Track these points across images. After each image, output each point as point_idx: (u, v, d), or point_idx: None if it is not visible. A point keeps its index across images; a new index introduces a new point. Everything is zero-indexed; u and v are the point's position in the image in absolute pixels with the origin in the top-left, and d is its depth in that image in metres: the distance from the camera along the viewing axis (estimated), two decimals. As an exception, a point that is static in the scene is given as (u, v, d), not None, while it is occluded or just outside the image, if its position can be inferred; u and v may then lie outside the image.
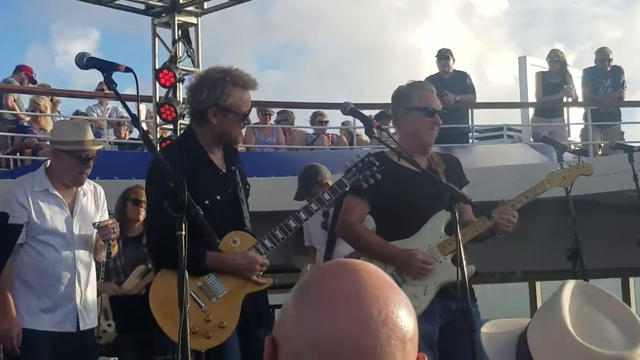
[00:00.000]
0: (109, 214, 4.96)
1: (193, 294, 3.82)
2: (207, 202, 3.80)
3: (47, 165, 4.71)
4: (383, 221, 4.25)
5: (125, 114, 3.35)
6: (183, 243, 2.89)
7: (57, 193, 4.61)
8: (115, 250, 4.83)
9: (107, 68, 3.13)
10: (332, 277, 1.21)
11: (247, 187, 4.14)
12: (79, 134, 4.64)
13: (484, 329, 1.87)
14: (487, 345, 1.83)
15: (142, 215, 5.99)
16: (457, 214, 3.46)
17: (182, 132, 4.25)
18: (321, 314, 1.17)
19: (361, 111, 4.19)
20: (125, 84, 3.17)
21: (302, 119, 12.14)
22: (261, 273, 3.96)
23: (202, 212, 2.99)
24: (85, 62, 3.21)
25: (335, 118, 11.95)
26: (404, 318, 1.19)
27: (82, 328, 4.55)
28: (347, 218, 4.22)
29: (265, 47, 42.88)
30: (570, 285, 1.76)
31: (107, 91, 9.53)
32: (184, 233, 2.89)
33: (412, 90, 4.29)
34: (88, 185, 4.77)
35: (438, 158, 4.37)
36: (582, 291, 1.76)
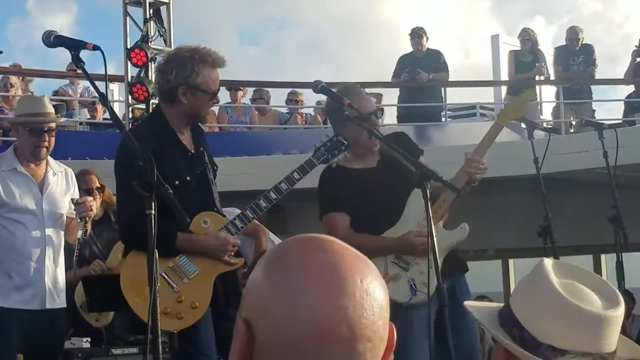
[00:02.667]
0: None
1: (164, 275, 3.82)
2: (177, 182, 3.79)
3: (16, 145, 4.70)
4: (362, 225, 4.21)
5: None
6: (153, 222, 2.88)
7: (25, 171, 4.59)
8: (89, 227, 4.80)
9: (74, 46, 3.10)
10: (307, 249, 1.20)
11: (215, 168, 4.15)
12: (35, 106, 4.62)
13: (468, 303, 1.97)
14: (473, 310, 1.92)
15: (99, 200, 5.90)
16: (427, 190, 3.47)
17: (151, 112, 4.23)
18: (305, 286, 1.15)
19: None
20: (100, 64, 3.13)
21: (278, 98, 12.08)
22: (232, 253, 3.96)
23: (171, 191, 2.98)
24: (52, 40, 3.17)
25: (313, 97, 11.90)
26: (381, 287, 1.20)
27: (49, 306, 4.53)
28: (334, 234, 4.17)
29: (248, 20, 42.64)
30: (548, 260, 1.86)
31: (79, 71, 9.44)
32: (153, 212, 2.88)
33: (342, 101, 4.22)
34: (58, 167, 4.75)
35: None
36: (559, 265, 1.86)
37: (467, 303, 1.96)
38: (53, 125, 4.66)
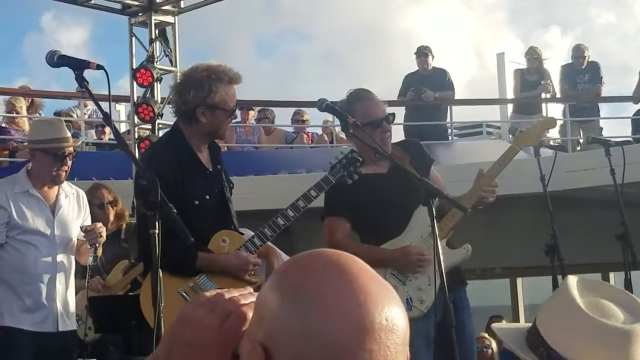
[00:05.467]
0: None
1: (185, 294, 3.82)
2: (196, 202, 3.83)
3: (29, 167, 4.71)
4: (368, 230, 4.22)
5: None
6: (156, 241, 2.87)
7: (37, 194, 4.61)
8: (99, 253, 4.80)
9: (78, 66, 3.10)
10: (328, 275, 1.17)
11: (231, 185, 4.16)
12: (54, 132, 4.64)
13: (495, 325, 2.05)
14: (500, 333, 1.99)
15: (112, 214, 5.92)
16: (433, 209, 3.45)
17: (169, 130, 4.23)
18: (328, 319, 1.13)
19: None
20: (113, 83, 3.12)
21: (286, 117, 12.07)
22: (253, 272, 3.95)
23: (175, 210, 2.96)
24: (56, 60, 3.16)
25: (319, 116, 11.89)
26: (402, 318, 1.19)
27: (61, 329, 4.54)
28: (332, 238, 4.19)
29: (266, 32, 42.78)
30: (573, 278, 1.91)
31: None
32: (157, 231, 2.87)
33: (354, 105, 4.24)
34: (70, 189, 4.77)
35: (399, 152, 4.34)
36: (584, 282, 1.91)
37: (494, 325, 2.01)
38: (72, 149, 4.69)
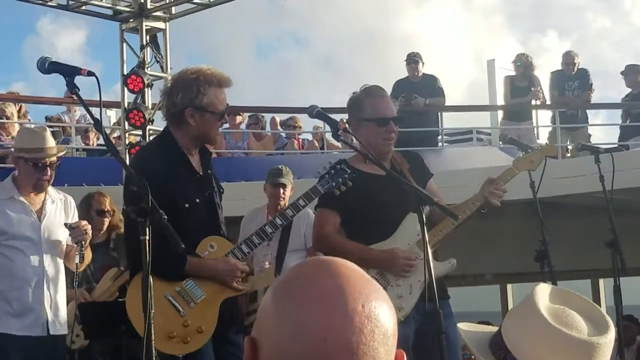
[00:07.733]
0: None
1: (171, 299, 3.82)
2: (186, 205, 3.83)
3: (15, 174, 4.71)
4: (356, 229, 4.22)
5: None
6: (146, 248, 2.87)
7: (23, 199, 4.62)
8: (89, 256, 4.79)
9: (69, 72, 3.10)
10: (313, 272, 1.20)
11: (221, 190, 4.15)
12: (36, 141, 4.64)
13: (462, 325, 1.99)
14: (465, 336, 1.96)
15: (105, 224, 5.92)
16: (424, 215, 3.45)
17: (159, 134, 4.23)
18: (305, 308, 1.16)
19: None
20: (102, 88, 3.10)
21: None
22: (240, 279, 3.96)
23: (165, 217, 2.96)
24: (47, 67, 3.16)
25: (310, 122, 11.89)
26: (386, 313, 1.19)
27: (52, 332, 4.54)
28: (321, 230, 4.20)
29: (266, 36, 42.78)
30: (543, 286, 1.90)
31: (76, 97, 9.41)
32: (147, 238, 2.87)
33: (365, 99, 4.26)
34: (58, 194, 4.77)
35: (400, 157, 4.37)
36: (553, 291, 1.89)
37: (460, 325, 1.97)
38: (55, 159, 4.67)
